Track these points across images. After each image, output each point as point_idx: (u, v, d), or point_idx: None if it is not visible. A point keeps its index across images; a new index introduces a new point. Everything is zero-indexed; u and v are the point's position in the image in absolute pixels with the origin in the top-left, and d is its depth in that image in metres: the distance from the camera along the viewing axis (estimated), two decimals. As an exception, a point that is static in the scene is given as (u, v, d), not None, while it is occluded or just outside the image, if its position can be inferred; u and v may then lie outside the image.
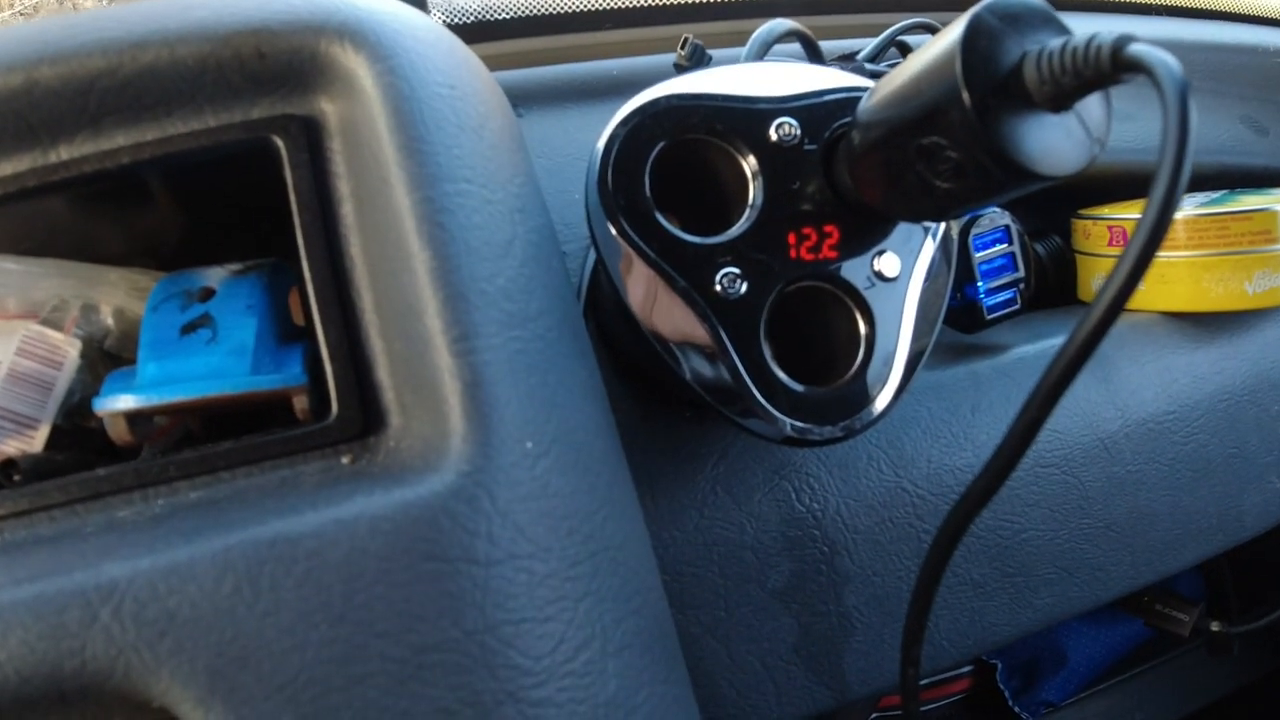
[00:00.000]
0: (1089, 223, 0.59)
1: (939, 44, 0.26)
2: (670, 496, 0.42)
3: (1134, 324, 0.56)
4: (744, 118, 0.33)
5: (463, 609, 0.23)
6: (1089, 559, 0.52)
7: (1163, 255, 0.55)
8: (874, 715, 0.90)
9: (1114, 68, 0.23)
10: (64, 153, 0.29)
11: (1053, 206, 0.63)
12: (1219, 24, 0.87)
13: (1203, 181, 0.68)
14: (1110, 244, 0.57)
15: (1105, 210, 0.59)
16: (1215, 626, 0.69)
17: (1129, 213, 0.57)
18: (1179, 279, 0.55)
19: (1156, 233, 0.22)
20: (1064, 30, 0.26)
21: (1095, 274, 0.59)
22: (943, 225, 0.36)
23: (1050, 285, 0.62)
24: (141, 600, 0.22)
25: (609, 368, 0.44)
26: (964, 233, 0.49)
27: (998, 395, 0.49)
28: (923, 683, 0.91)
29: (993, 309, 0.51)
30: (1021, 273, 0.52)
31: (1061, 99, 0.25)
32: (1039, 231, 0.63)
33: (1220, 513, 0.58)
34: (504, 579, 0.23)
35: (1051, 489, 0.50)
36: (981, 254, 0.50)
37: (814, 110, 0.34)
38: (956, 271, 0.48)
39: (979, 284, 0.50)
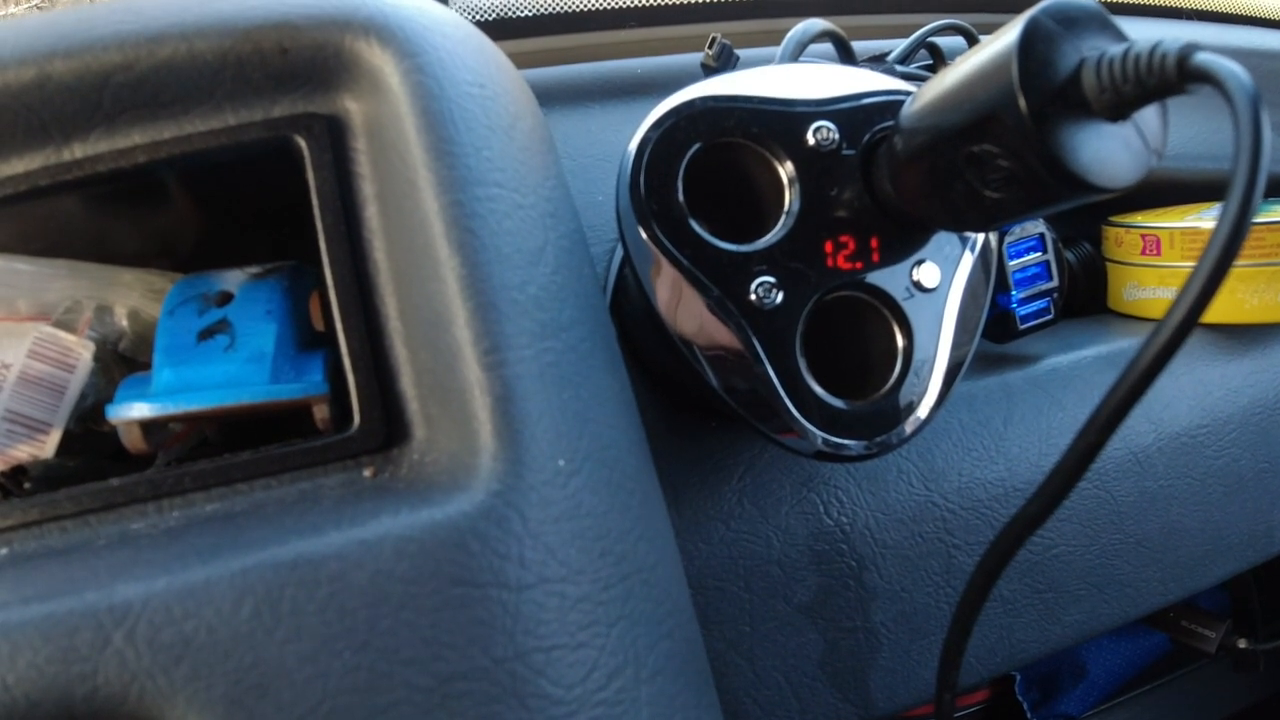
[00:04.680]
0: (1121, 230, 0.58)
1: (993, 47, 0.25)
2: (695, 509, 0.41)
3: (1167, 335, 0.55)
4: (781, 121, 0.32)
5: (492, 636, 0.22)
6: (1119, 575, 0.51)
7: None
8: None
9: (1180, 77, 0.22)
10: (77, 151, 0.28)
11: (1082, 213, 0.62)
12: (1247, 29, 0.85)
13: (1220, 190, 0.66)
14: (1144, 253, 0.56)
15: (1138, 218, 0.58)
16: (1243, 644, 0.68)
17: (1163, 221, 0.56)
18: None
19: (1229, 250, 0.20)
20: (1121, 36, 0.25)
21: (1127, 283, 0.58)
22: (982, 235, 0.35)
23: (1081, 293, 0.60)
24: (156, 624, 0.21)
25: (633, 375, 0.42)
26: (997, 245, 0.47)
27: (1030, 407, 0.48)
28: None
29: (1026, 319, 0.50)
30: (1056, 282, 0.50)
31: (1121, 108, 0.24)
32: (1069, 238, 0.62)
33: (1250, 528, 0.57)
34: (535, 604, 0.22)
35: (1084, 504, 0.49)
36: (1015, 262, 0.49)
37: (853, 114, 0.33)
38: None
39: (1012, 293, 0.49)
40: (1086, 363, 0.51)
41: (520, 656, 0.22)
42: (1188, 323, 0.21)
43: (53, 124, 0.27)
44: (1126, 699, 0.95)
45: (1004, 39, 0.25)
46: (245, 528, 0.24)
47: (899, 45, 0.52)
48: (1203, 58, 0.22)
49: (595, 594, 0.23)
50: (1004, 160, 0.26)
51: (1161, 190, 0.63)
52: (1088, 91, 0.24)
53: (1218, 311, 0.54)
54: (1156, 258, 0.56)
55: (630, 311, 0.40)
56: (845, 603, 0.43)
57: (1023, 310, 0.49)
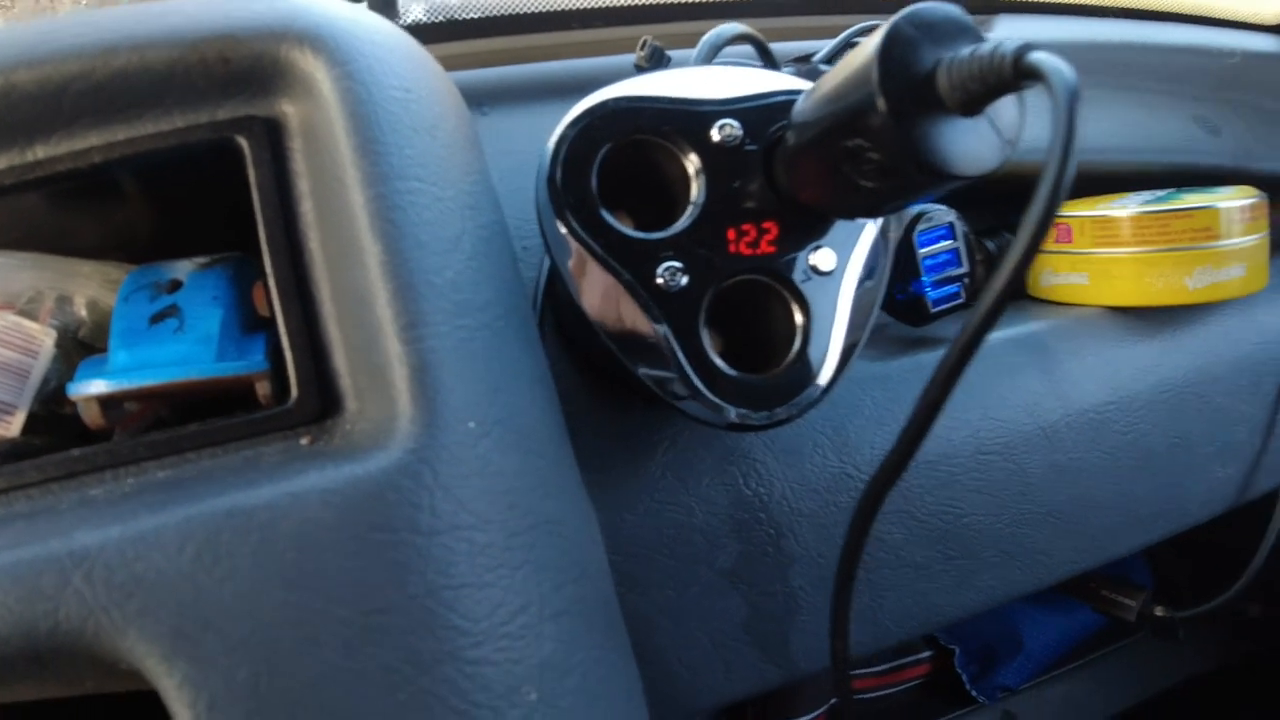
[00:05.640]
0: (1037, 220, 0.61)
1: (861, 51, 0.28)
2: (623, 482, 0.44)
3: (1078, 318, 0.59)
4: (687, 119, 0.35)
5: (407, 575, 0.25)
6: (1031, 543, 0.54)
7: (1107, 252, 0.58)
8: (834, 700, 0.92)
9: (1015, 74, 0.25)
10: (40, 152, 0.30)
11: (1004, 205, 0.65)
12: (1173, 25, 0.89)
13: (1154, 180, 0.69)
14: (1057, 241, 0.60)
15: (1053, 208, 0.61)
16: (1160, 611, 0.72)
17: (1075, 210, 0.59)
18: (1122, 275, 0.58)
19: (1044, 223, 0.23)
20: (979, 38, 0.28)
21: (1044, 269, 0.62)
22: (879, 222, 0.38)
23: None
24: (110, 566, 0.24)
25: (568, 361, 0.45)
26: (908, 230, 0.51)
27: (940, 385, 0.51)
28: (883, 668, 0.94)
29: (937, 302, 0.53)
30: (965, 268, 0.54)
31: (972, 104, 0.27)
32: (991, 229, 0.66)
33: (1163, 500, 0.60)
34: (445, 548, 0.25)
35: (994, 475, 0.52)
36: (925, 250, 0.52)
37: (756, 112, 0.36)
38: (903, 267, 0.50)
39: (924, 279, 0.52)
40: (996, 344, 0.55)
41: (432, 593, 0.25)
42: (1014, 279, 0.24)
43: (17, 128, 0.30)
44: (1064, 671, 0.98)
45: (869, 44, 0.28)
46: (191, 486, 0.27)
47: (825, 46, 0.56)
48: (1034, 56, 0.24)
49: (501, 541, 0.26)
50: (874, 153, 0.29)
51: (1090, 181, 0.67)
52: (941, 90, 0.27)
53: (1126, 295, 0.58)
54: (1069, 245, 0.59)
55: (560, 299, 0.43)
56: (765, 568, 0.46)
57: (934, 294, 0.53)
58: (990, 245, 0.64)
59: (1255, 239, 0.58)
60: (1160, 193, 0.63)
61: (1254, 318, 0.65)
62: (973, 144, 0.28)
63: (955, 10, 0.28)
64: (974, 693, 0.92)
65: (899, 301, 0.54)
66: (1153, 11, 0.89)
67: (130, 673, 0.25)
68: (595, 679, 0.29)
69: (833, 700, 0.92)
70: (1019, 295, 0.64)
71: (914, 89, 0.27)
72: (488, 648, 0.25)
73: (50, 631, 0.24)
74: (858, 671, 0.93)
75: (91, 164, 0.30)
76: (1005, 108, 0.28)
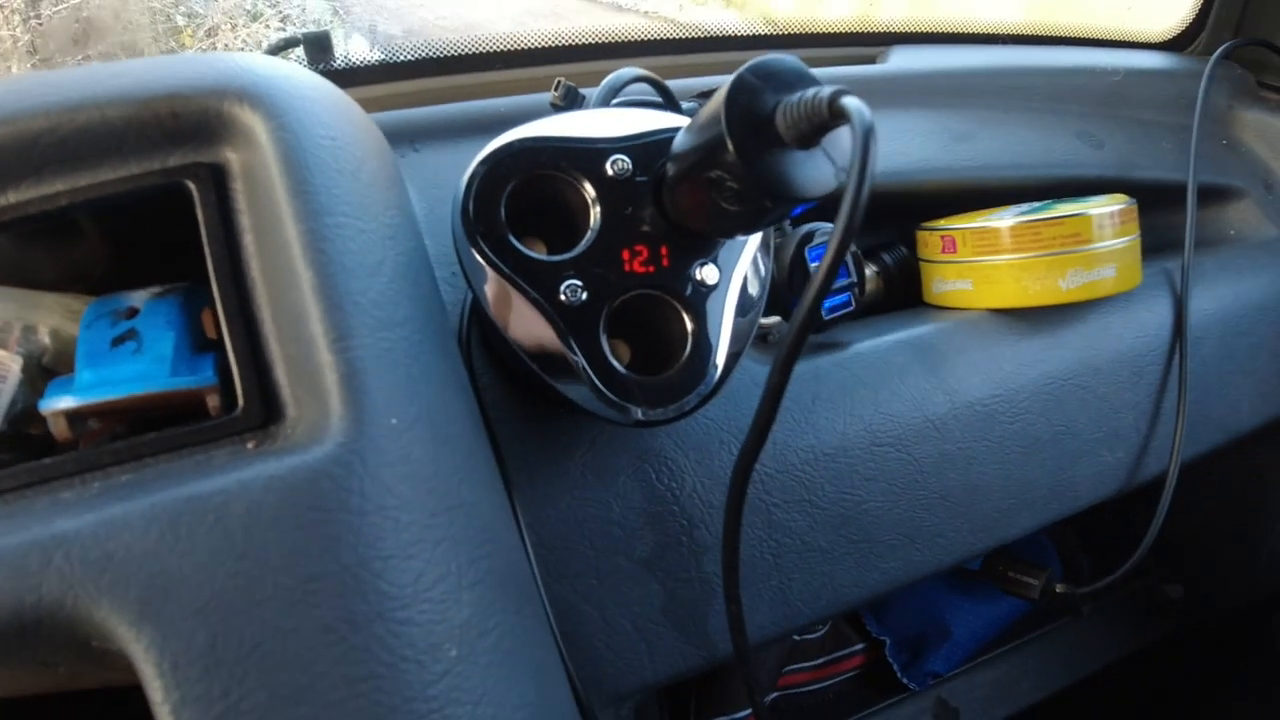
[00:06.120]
0: (927, 233, 0.67)
1: (716, 98, 0.34)
2: (546, 481, 0.48)
3: (961, 320, 0.64)
4: (584, 156, 0.40)
5: (340, 547, 0.29)
6: (928, 527, 0.60)
7: (987, 259, 0.64)
8: (774, 695, 0.97)
9: (831, 114, 0.30)
10: (11, 197, 0.35)
11: (903, 221, 0.71)
12: (1061, 48, 0.96)
13: (1042, 193, 0.76)
14: (944, 251, 0.66)
15: (942, 222, 0.67)
16: (1060, 588, 0.77)
17: (959, 223, 0.65)
18: (1001, 279, 0.64)
19: (846, 236, 0.28)
20: (813, 84, 0.33)
21: (934, 278, 0.67)
22: (757, 240, 0.43)
23: (898, 291, 0.70)
24: (86, 546, 0.28)
25: (495, 375, 0.50)
26: (800, 247, 0.56)
27: (836, 386, 0.57)
28: (819, 661, 0.99)
29: (830, 310, 0.59)
30: (854, 278, 0.60)
31: (804, 139, 0.32)
32: (888, 243, 0.72)
33: (1053, 485, 0.66)
34: (373, 525, 0.30)
35: (887, 465, 0.58)
36: (816, 264, 0.57)
37: (646, 148, 0.41)
38: (797, 280, 0.56)
39: (817, 290, 0.57)
40: (887, 346, 0.60)
41: (363, 563, 0.29)
42: (831, 269, 0.30)
43: None
44: (992, 657, 1.04)
45: (721, 90, 0.33)
46: (152, 483, 0.31)
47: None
48: (844, 100, 0.30)
49: (422, 520, 0.31)
50: (731, 182, 0.34)
51: (977, 196, 0.73)
52: (780, 129, 0.32)
53: (1005, 297, 0.64)
54: (954, 255, 0.65)
55: (483, 318, 0.48)
56: (679, 556, 0.51)
57: (827, 304, 0.58)
58: (886, 258, 0.70)
59: (1125, 241, 0.65)
60: (1038, 204, 0.69)
61: (1134, 315, 0.71)
62: (809, 172, 0.33)
63: (793, 61, 0.33)
64: (905, 680, 0.97)
65: (796, 310, 0.59)
66: (1042, 36, 0.96)
67: (101, 654, 0.29)
68: (510, 641, 0.33)
69: (774, 695, 0.96)
70: (915, 303, 0.70)
71: (756, 129, 0.33)
72: (412, 610, 0.30)
73: (34, 605, 0.28)
74: (793, 666, 0.98)
75: (58, 207, 0.35)
76: (840, 140, 0.34)
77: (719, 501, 0.52)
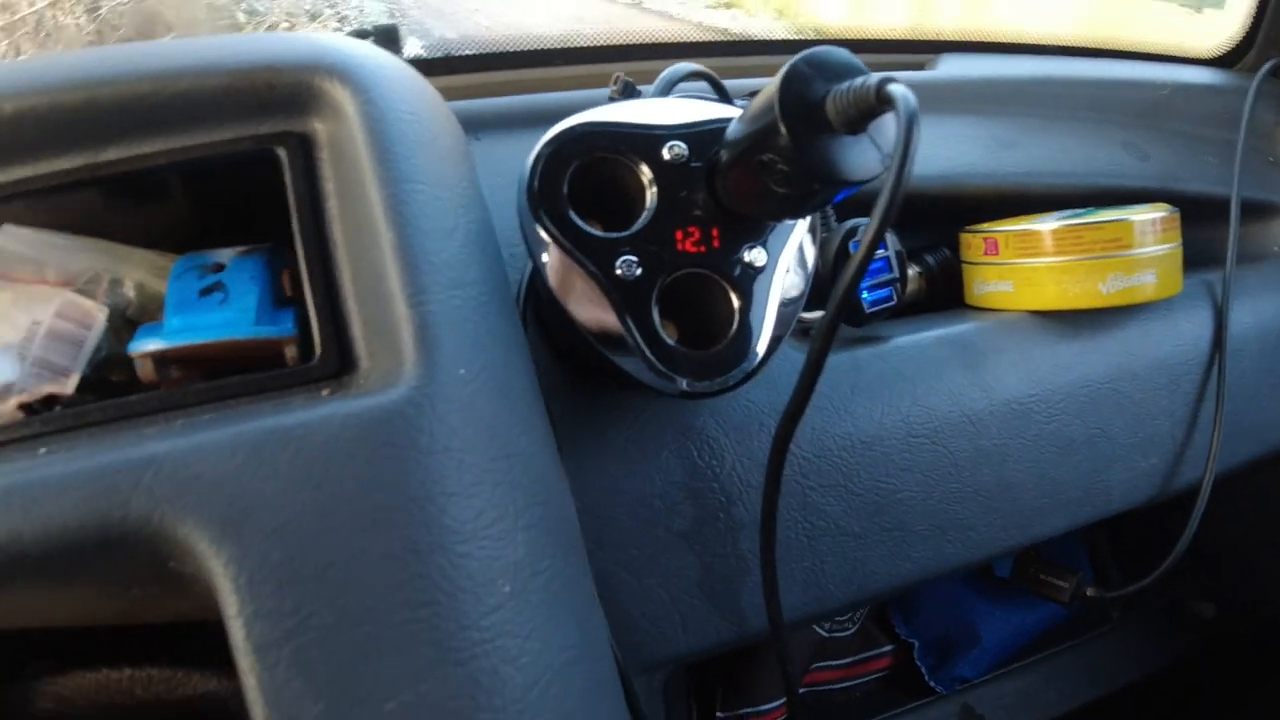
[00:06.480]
0: (971, 235, 0.69)
1: (770, 86, 0.36)
2: (591, 452, 0.51)
3: (1001, 320, 0.66)
4: (643, 141, 0.43)
5: (408, 481, 0.32)
6: (960, 519, 0.61)
7: (1028, 261, 0.65)
8: (801, 691, 0.98)
9: (878, 100, 0.32)
10: (111, 154, 0.38)
11: (945, 225, 0.73)
12: (1110, 61, 0.97)
13: (1085, 201, 0.76)
14: (986, 253, 0.67)
15: (985, 225, 0.69)
16: (1090, 592, 0.78)
17: (1002, 226, 0.67)
18: (1042, 281, 0.65)
19: (889, 210, 0.31)
20: (863, 73, 0.35)
21: (975, 280, 0.69)
22: (804, 228, 0.45)
23: (939, 292, 0.71)
24: (174, 467, 0.31)
25: (547, 351, 0.52)
26: (844, 241, 0.58)
27: (874, 376, 0.59)
28: (846, 660, 1.00)
29: (872, 304, 0.60)
30: (896, 274, 0.61)
31: (853, 124, 0.34)
32: (932, 245, 0.73)
33: (1087, 487, 0.67)
34: (440, 463, 0.32)
35: (922, 456, 0.59)
36: (860, 257, 0.59)
37: (701, 135, 0.43)
38: (839, 273, 0.58)
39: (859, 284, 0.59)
40: (927, 341, 0.62)
41: (429, 497, 0.32)
42: (870, 249, 0.32)
43: (96, 133, 0.37)
44: (1020, 665, 1.04)
45: (775, 79, 0.35)
46: (235, 417, 0.34)
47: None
48: (890, 87, 0.32)
49: (483, 463, 0.34)
50: (781, 165, 0.36)
51: (1020, 202, 0.74)
52: (830, 115, 0.34)
53: (1045, 299, 0.65)
54: (996, 256, 0.67)
55: (539, 294, 0.50)
56: (716, 532, 0.53)
57: (869, 298, 0.60)
58: (929, 259, 0.71)
59: (1166, 248, 0.66)
60: (1080, 210, 0.70)
61: (1173, 323, 0.72)
62: (856, 156, 0.35)
63: (844, 53, 0.35)
64: (932, 684, 0.98)
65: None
66: (1090, 49, 0.97)
67: (174, 577, 0.32)
68: (558, 586, 0.35)
69: (801, 691, 0.98)
70: (956, 303, 0.71)
71: (807, 114, 0.35)
72: (471, 545, 0.32)
73: (121, 520, 0.30)
74: (821, 664, 1.00)
75: (154, 166, 0.38)
76: (886, 128, 0.36)
77: (757, 481, 0.54)
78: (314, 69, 0.38)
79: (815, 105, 0.35)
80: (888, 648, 1.01)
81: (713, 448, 0.53)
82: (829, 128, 0.35)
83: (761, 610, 0.53)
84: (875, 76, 0.33)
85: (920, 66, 0.86)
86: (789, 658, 0.51)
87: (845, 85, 0.34)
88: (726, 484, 0.53)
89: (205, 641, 0.39)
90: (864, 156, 0.35)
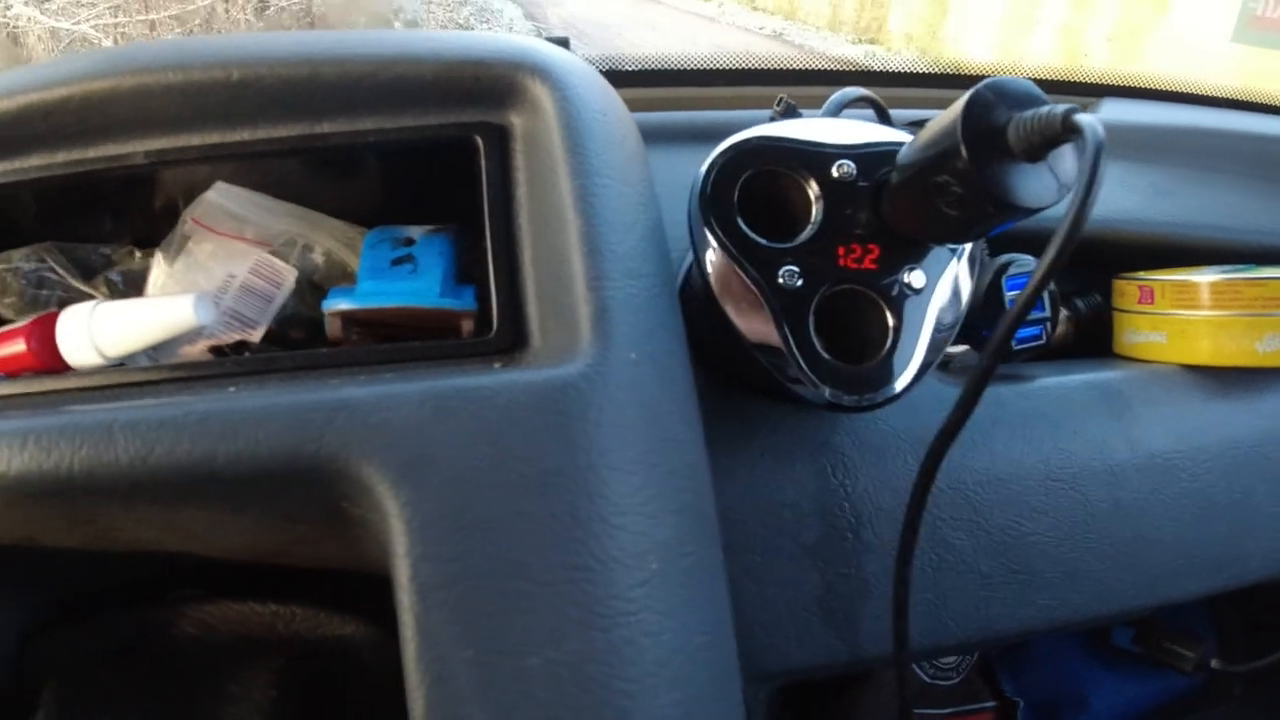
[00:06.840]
0: (1124, 283, 0.68)
1: (952, 110, 0.37)
2: (727, 455, 0.52)
3: (1153, 372, 0.64)
4: (813, 158, 0.44)
5: (576, 450, 0.34)
6: (1091, 571, 0.59)
7: (1184, 313, 0.64)
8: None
9: (1063, 128, 0.33)
10: (326, 127, 0.41)
11: (1094, 271, 0.72)
12: (1272, 117, 0.93)
13: (1240, 257, 0.73)
14: (1140, 301, 0.66)
15: (1142, 274, 0.67)
16: (1215, 664, 0.75)
17: (1161, 275, 0.65)
18: (1197, 334, 0.63)
19: (1072, 234, 0.31)
20: (1043, 102, 0.36)
21: (1127, 328, 0.67)
22: (966, 252, 0.46)
23: (1087, 338, 0.70)
24: (366, 411, 0.34)
25: (691, 355, 0.54)
26: (997, 275, 0.58)
27: (1016, 414, 0.58)
28: (947, 711, 0.98)
29: (1020, 341, 0.60)
30: (1048, 313, 0.61)
31: (1034, 152, 0.35)
32: (1082, 289, 0.72)
33: (1224, 552, 0.64)
34: (607, 437, 0.34)
35: (1058, 501, 0.58)
36: (1012, 293, 0.59)
37: (869, 156, 0.44)
38: (992, 308, 0.58)
39: (1009, 320, 0.59)
40: (1073, 384, 0.61)
41: (593, 468, 0.34)
42: (1045, 277, 0.32)
43: (316, 106, 0.41)
44: (1130, 738, 1.00)
45: (958, 103, 0.36)
46: (418, 376, 0.36)
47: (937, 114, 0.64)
48: (1078, 117, 0.33)
49: (644, 444, 0.35)
50: (956, 187, 0.37)
51: (1176, 253, 0.72)
52: (1011, 141, 0.35)
53: (1199, 354, 0.63)
54: (1150, 305, 0.65)
55: (692, 299, 0.52)
56: (842, 551, 0.53)
57: (1018, 334, 0.60)
58: (1079, 303, 0.70)
59: (1331, 313, 0.63)
60: (1240, 265, 0.68)
61: (1329, 389, 0.69)
62: (1034, 183, 0.36)
63: (1026, 82, 0.36)
64: (1035, 746, 0.95)
65: (986, 337, 0.61)
66: (1254, 103, 0.93)
67: (345, 518, 0.35)
68: (700, 571, 0.37)
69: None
70: (1102, 352, 0.70)
71: (988, 138, 0.35)
72: (627, 518, 0.34)
73: (312, 455, 0.33)
74: (922, 710, 0.97)
75: (365, 142, 0.41)
76: (1064, 158, 0.36)
77: (889, 505, 0.54)
78: (518, 66, 0.40)
79: (996, 130, 0.35)
80: (990, 703, 0.98)
81: (847, 466, 0.54)
82: (1009, 154, 0.35)
83: (879, 637, 0.54)
84: (1061, 106, 0.33)
85: (1082, 109, 0.85)
86: (905, 682, 0.51)
87: (1030, 113, 0.34)
88: (858, 504, 0.54)
89: (340, 590, 0.42)
90: (1041, 184, 0.36)
